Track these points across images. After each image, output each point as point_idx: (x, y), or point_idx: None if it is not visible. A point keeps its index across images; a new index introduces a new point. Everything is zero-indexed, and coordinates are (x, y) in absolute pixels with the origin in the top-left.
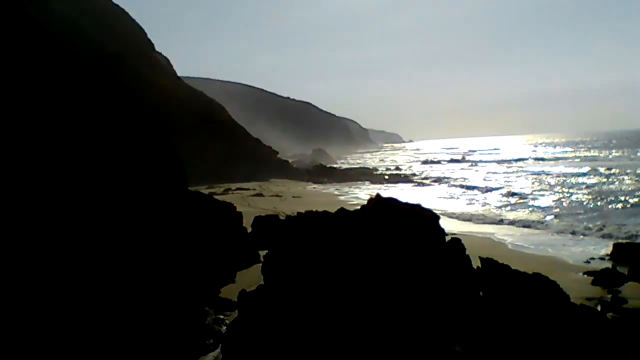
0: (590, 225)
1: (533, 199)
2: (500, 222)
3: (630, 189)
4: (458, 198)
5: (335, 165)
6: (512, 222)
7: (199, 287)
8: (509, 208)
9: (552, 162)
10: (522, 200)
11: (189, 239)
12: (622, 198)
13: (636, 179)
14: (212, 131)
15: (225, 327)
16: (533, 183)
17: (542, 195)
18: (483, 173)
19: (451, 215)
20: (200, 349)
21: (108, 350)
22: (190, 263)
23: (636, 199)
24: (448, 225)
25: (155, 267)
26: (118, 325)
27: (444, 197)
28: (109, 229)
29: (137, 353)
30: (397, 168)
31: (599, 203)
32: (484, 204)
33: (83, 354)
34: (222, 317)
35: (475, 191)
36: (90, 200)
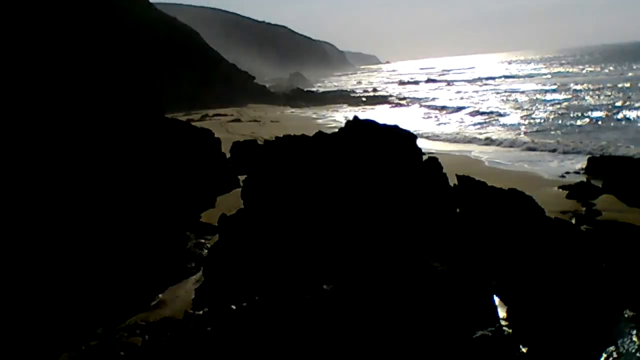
0: (564, 141)
1: (506, 116)
2: (475, 140)
3: (600, 104)
4: (434, 118)
5: (312, 89)
6: (487, 140)
7: (179, 212)
8: (483, 126)
9: (524, 79)
10: (495, 118)
11: (168, 166)
12: (592, 114)
13: (607, 94)
14: (186, 57)
15: (206, 251)
16: (505, 101)
17: (515, 112)
18: (457, 92)
19: (428, 136)
20: (182, 273)
21: (91, 275)
22: (170, 189)
23: (606, 113)
24: (425, 144)
25: (135, 192)
26: (98, 250)
27: (421, 117)
28: (89, 156)
29: (120, 277)
30: (374, 90)
31: (569, 120)
32: (460, 123)
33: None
34: (202, 241)
35: (449, 111)
36: (69, 128)
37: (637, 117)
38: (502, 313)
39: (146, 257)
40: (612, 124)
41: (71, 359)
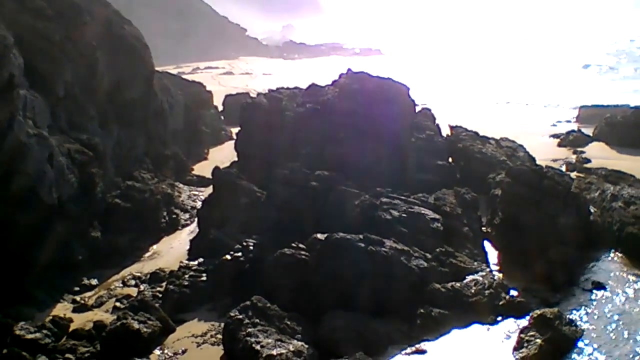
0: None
1: None
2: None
3: None
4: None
5: (305, 42)
6: None
7: (172, 165)
8: None
9: None
10: None
11: (159, 120)
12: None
13: None
14: (176, 10)
15: (199, 203)
16: None
17: None
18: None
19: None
20: (176, 224)
21: None
22: (161, 142)
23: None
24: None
25: (128, 146)
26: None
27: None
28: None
29: (113, 229)
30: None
31: None
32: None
33: None
34: (196, 193)
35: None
36: None
37: None
38: (493, 258)
39: (139, 209)
40: None
41: (66, 310)
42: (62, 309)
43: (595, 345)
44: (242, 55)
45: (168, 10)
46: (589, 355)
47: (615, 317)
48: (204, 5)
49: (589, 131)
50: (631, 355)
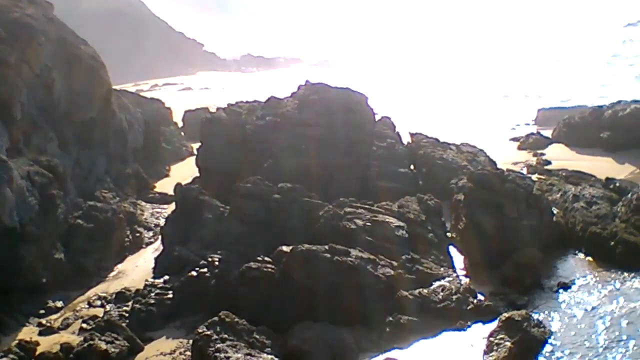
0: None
1: None
2: None
3: None
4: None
5: (263, 54)
6: None
7: (134, 184)
8: None
9: None
10: None
11: (119, 140)
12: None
13: None
14: (133, 28)
15: (162, 220)
16: None
17: None
18: None
19: None
20: (140, 243)
21: None
22: (123, 162)
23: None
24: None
25: (88, 166)
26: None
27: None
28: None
29: (77, 251)
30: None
31: None
32: None
33: None
34: (159, 210)
35: None
36: None
37: None
38: (459, 263)
39: (102, 228)
40: None
41: (32, 334)
42: (27, 332)
43: (564, 346)
44: (201, 70)
45: (124, 28)
46: (558, 355)
47: (583, 317)
48: (160, 22)
49: (548, 133)
50: (599, 354)
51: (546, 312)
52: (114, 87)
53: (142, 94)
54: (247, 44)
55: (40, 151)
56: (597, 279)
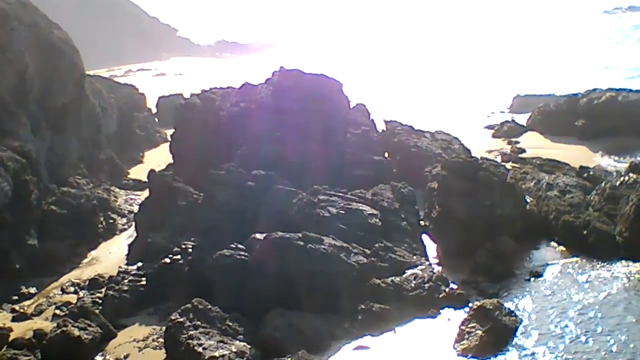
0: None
1: None
2: None
3: None
4: None
5: (237, 40)
6: None
7: (107, 170)
8: None
9: None
10: None
11: (91, 125)
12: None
13: None
14: (106, 12)
15: (136, 207)
16: None
17: None
18: None
19: None
20: (113, 229)
21: None
22: (95, 148)
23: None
24: None
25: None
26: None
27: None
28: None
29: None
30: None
31: None
32: None
33: None
34: (132, 197)
35: None
36: None
37: None
38: (432, 252)
39: (75, 215)
40: None
41: (5, 320)
42: (1, 318)
43: (535, 334)
44: (175, 56)
45: (97, 13)
46: (529, 344)
47: (554, 305)
48: (133, 7)
49: (523, 119)
50: (570, 342)
51: (518, 300)
52: (87, 72)
53: (115, 79)
54: (221, 30)
55: (13, 137)
56: (569, 267)
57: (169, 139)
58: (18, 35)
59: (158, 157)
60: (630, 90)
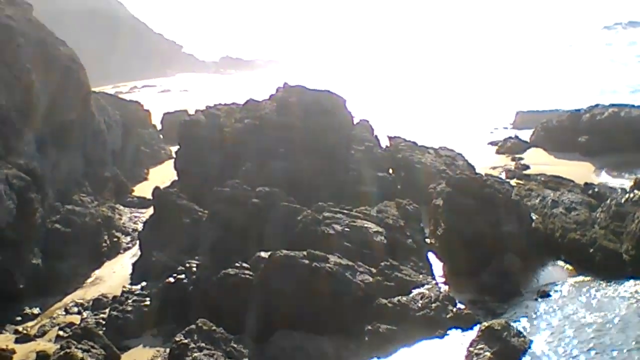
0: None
1: None
2: None
3: None
4: None
5: (241, 57)
6: None
7: (111, 188)
8: None
9: None
10: None
11: (96, 142)
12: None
13: None
14: (111, 29)
15: (140, 225)
16: None
17: None
18: None
19: None
20: (117, 248)
21: None
22: (100, 165)
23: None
24: None
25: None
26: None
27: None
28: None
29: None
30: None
31: None
32: None
33: None
34: (137, 215)
35: None
36: None
37: None
38: (438, 270)
39: (79, 233)
40: None
41: (8, 341)
42: (3, 339)
43: (544, 355)
44: (180, 72)
45: (103, 29)
46: None
47: (562, 326)
48: (138, 24)
49: (526, 135)
50: None
51: (526, 320)
52: (92, 88)
53: (121, 95)
54: (225, 46)
55: (18, 154)
56: (577, 286)
57: (174, 155)
58: (24, 52)
59: (163, 174)
60: (633, 106)
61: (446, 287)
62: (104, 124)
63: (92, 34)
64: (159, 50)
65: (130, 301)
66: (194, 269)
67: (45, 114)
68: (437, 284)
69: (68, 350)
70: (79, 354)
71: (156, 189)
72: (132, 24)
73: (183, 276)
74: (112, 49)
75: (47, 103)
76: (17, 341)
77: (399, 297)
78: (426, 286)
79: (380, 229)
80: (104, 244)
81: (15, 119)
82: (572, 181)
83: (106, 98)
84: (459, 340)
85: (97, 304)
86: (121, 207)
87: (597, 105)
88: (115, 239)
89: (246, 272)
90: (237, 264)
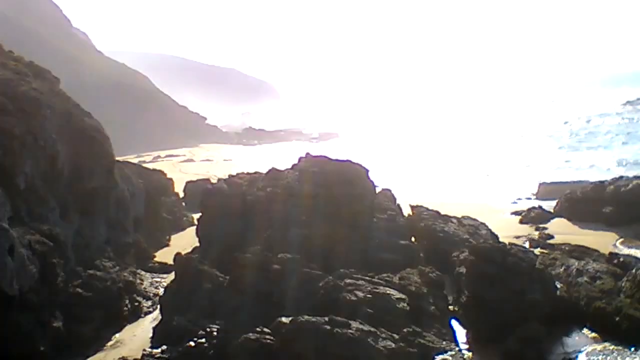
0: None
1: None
2: None
3: None
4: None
5: (264, 127)
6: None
7: (134, 253)
8: None
9: None
10: None
11: (121, 208)
12: None
13: None
14: (136, 101)
15: (162, 289)
16: None
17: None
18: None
19: None
20: (138, 312)
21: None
22: (123, 231)
23: None
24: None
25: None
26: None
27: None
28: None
29: (75, 320)
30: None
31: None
32: None
33: None
34: (158, 280)
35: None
36: None
37: None
38: (462, 337)
39: (101, 298)
40: None
41: None
42: None
43: None
44: (203, 143)
45: (129, 101)
46: None
47: None
48: (163, 97)
49: (549, 207)
50: None
51: None
52: (117, 158)
53: (144, 165)
54: (248, 120)
55: (42, 220)
56: (602, 355)
57: (196, 222)
58: (50, 122)
59: (184, 241)
60: None
61: (470, 354)
62: (127, 191)
63: (120, 106)
64: (183, 121)
65: None
66: (215, 333)
67: (69, 181)
68: (460, 350)
69: None
70: None
71: (177, 254)
72: (157, 97)
73: (204, 340)
74: (138, 120)
75: (72, 171)
76: None
77: None
78: (449, 352)
79: (402, 296)
80: (125, 308)
81: (39, 186)
82: (597, 251)
83: (130, 167)
84: None
85: None
86: (142, 272)
87: (621, 177)
88: (137, 303)
89: (267, 337)
90: (257, 329)
